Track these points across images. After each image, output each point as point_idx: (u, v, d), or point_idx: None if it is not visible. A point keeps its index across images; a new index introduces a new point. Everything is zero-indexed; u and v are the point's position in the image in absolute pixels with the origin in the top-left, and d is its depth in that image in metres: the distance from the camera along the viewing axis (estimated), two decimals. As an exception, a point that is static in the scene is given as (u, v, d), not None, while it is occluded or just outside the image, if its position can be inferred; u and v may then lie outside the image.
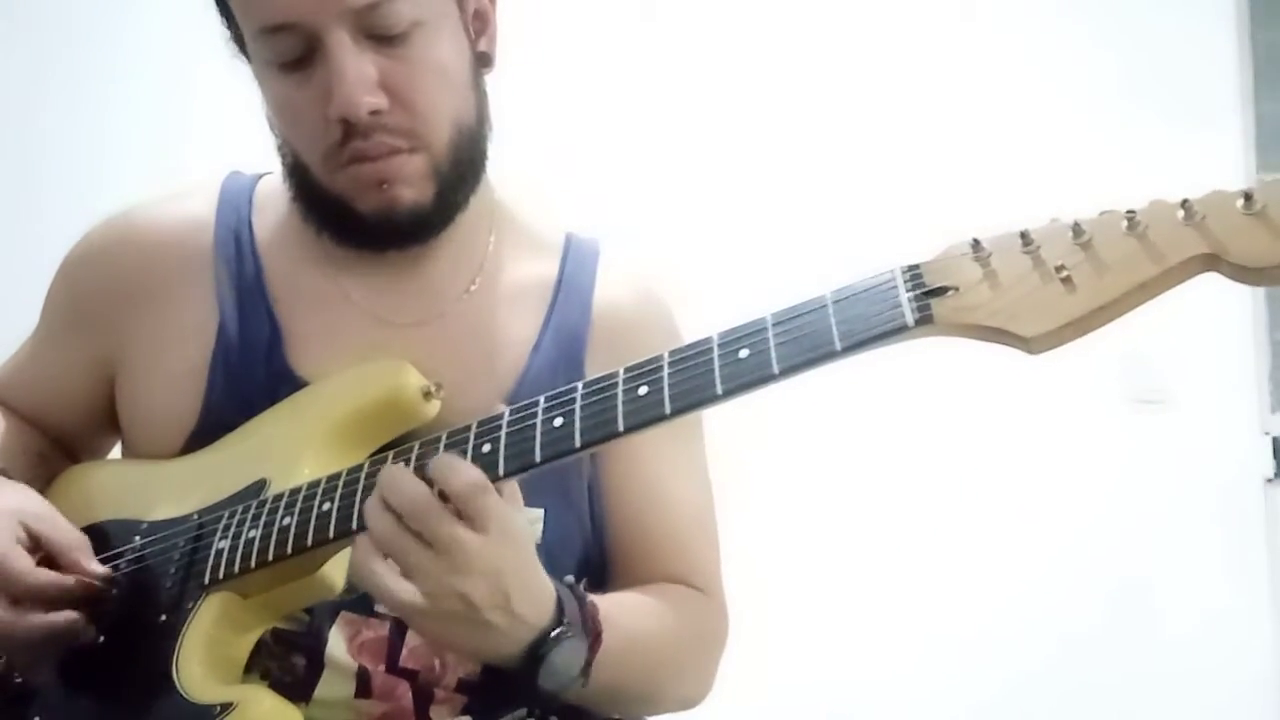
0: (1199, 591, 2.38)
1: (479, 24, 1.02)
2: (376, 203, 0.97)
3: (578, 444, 0.83)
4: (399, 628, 0.97)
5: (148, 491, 1.02)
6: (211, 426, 1.01)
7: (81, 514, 1.00)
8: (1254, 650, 2.41)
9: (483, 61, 1.03)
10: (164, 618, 0.91)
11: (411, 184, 0.97)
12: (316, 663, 0.95)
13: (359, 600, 0.95)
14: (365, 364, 0.99)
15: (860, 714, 2.29)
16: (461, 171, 1.01)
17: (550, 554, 0.97)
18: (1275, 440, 2.51)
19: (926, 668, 2.34)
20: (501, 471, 0.84)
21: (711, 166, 2.46)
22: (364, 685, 0.96)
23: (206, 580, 0.91)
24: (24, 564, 0.93)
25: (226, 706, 0.84)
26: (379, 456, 0.90)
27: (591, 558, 1.05)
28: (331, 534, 0.87)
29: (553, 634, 0.84)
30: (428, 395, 0.97)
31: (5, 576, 0.92)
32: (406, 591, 0.81)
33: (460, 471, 0.82)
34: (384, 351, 1.00)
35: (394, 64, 0.94)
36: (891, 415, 2.27)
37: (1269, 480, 2.48)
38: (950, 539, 2.36)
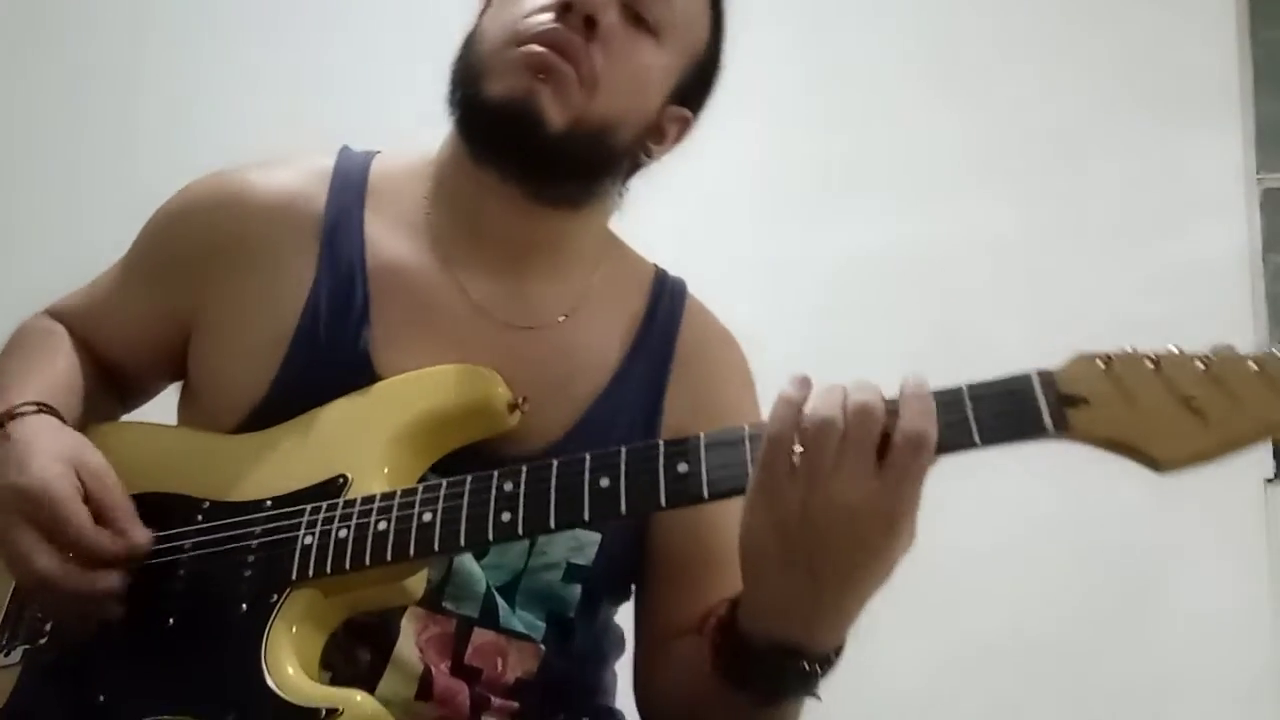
0: (1199, 591, 2.38)
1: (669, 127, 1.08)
2: (517, 87, 0.98)
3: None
4: (464, 625, 0.96)
5: (206, 466, 0.99)
6: (279, 402, 0.99)
7: (131, 479, 0.97)
8: (1254, 650, 2.40)
9: (653, 136, 1.07)
10: (244, 607, 0.89)
11: (559, 100, 0.98)
12: (381, 658, 0.94)
13: (426, 596, 0.94)
14: (451, 366, 0.99)
15: (853, 713, 2.29)
16: (593, 152, 1.02)
17: (597, 578, 1.00)
18: (1275, 440, 2.50)
19: (923, 668, 2.34)
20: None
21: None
22: (425, 688, 0.94)
23: (294, 576, 0.89)
24: (86, 519, 0.90)
25: (332, 712, 0.82)
26: (482, 475, 0.89)
27: (638, 574, 1.07)
28: (437, 546, 0.87)
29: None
30: (513, 407, 0.97)
31: (66, 528, 0.89)
32: (789, 497, 0.80)
33: (929, 419, 0.80)
34: (473, 347, 1.01)
35: (624, 32, 1.00)
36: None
37: (1269, 480, 2.47)
38: (948, 538, 2.35)
